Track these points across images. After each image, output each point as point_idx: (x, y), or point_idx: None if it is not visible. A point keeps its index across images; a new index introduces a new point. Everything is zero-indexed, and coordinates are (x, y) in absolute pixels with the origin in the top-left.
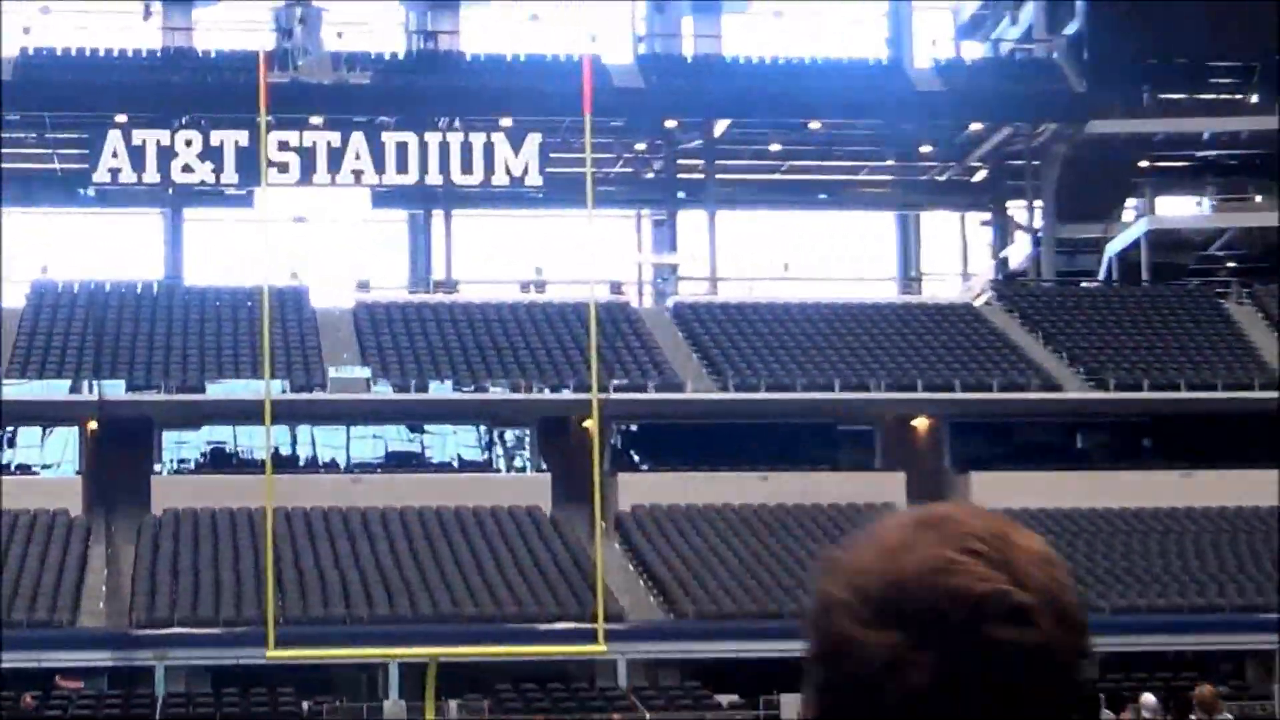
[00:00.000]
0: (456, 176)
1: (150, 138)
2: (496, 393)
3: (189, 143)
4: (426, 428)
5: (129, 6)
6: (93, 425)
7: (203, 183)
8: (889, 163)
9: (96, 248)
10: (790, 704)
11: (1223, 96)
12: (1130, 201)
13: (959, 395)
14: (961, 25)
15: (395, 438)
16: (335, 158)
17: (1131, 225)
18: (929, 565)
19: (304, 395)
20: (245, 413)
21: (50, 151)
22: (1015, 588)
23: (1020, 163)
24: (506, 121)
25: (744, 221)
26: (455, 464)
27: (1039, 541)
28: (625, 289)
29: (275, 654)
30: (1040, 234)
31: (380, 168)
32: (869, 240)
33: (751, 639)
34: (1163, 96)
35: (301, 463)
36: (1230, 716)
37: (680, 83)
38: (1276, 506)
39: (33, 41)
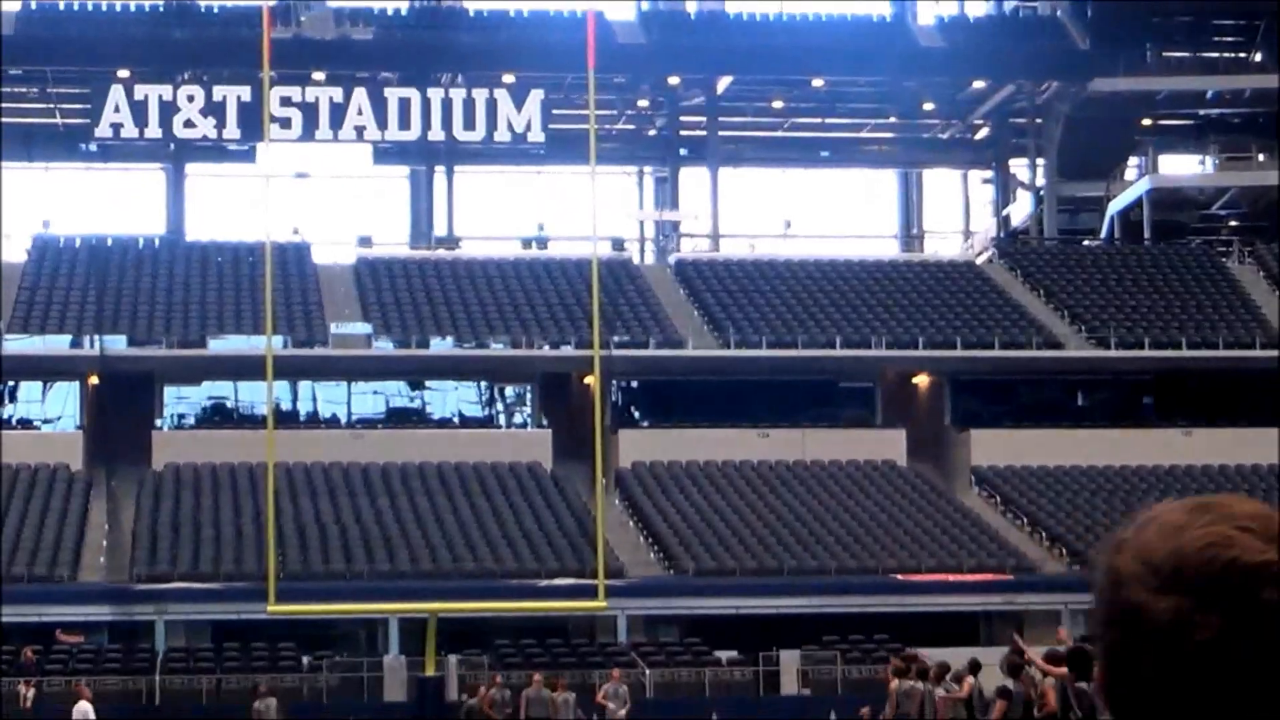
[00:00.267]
0: (459, 133)
1: (152, 92)
2: (497, 349)
3: (191, 98)
4: (427, 384)
5: None
6: (94, 380)
7: (205, 138)
8: (891, 120)
9: (98, 203)
10: (789, 660)
11: (1226, 55)
12: (1132, 160)
13: (960, 353)
14: None
15: (396, 394)
16: (337, 113)
17: (1134, 184)
18: (1209, 540)
19: (305, 351)
20: (246, 368)
21: (52, 106)
22: None
23: (1023, 121)
24: (509, 78)
25: (746, 178)
26: (456, 420)
27: None
28: (627, 246)
29: (276, 609)
30: (1042, 192)
31: (382, 124)
32: (871, 198)
33: (751, 595)
34: (1166, 54)
35: (302, 418)
36: None
37: (683, 39)
38: (1278, 464)
39: None
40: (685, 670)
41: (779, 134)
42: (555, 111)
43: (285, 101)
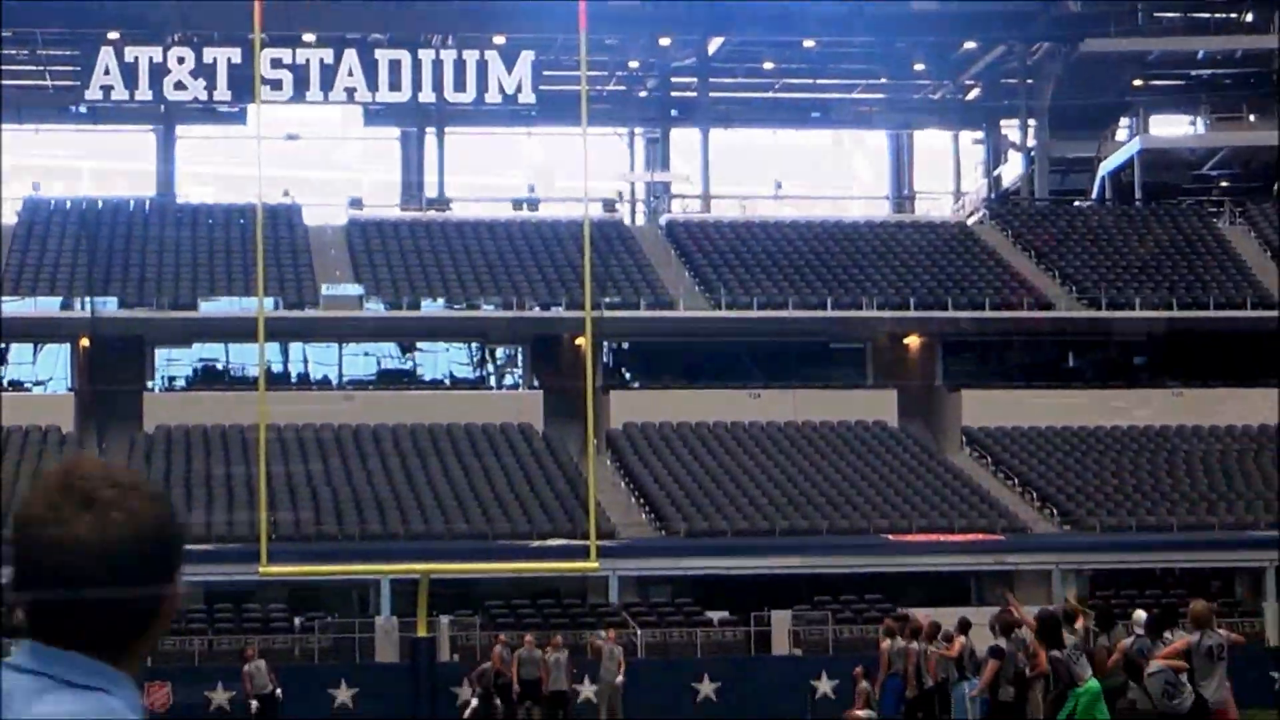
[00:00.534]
0: (449, 94)
1: (143, 54)
2: (488, 310)
3: (181, 60)
4: (418, 345)
5: None
6: (85, 342)
7: (195, 100)
8: (882, 81)
9: (89, 165)
10: (781, 620)
11: (1217, 15)
12: (1123, 121)
13: (951, 314)
14: None
15: (387, 355)
16: (328, 75)
17: (1125, 145)
18: None
19: (296, 313)
20: (237, 330)
21: (42, 68)
22: None
23: (1014, 81)
24: (500, 39)
25: (737, 139)
26: (447, 381)
27: None
28: (618, 207)
29: (267, 570)
30: (1033, 153)
31: (373, 85)
32: (862, 159)
33: (742, 555)
34: (1157, 15)
35: (293, 380)
36: (1223, 632)
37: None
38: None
39: None
40: (677, 631)
41: (770, 95)
42: (546, 73)
43: (276, 63)
